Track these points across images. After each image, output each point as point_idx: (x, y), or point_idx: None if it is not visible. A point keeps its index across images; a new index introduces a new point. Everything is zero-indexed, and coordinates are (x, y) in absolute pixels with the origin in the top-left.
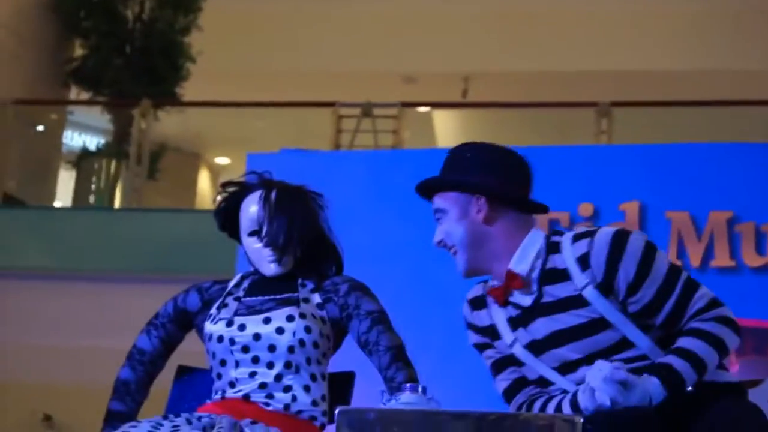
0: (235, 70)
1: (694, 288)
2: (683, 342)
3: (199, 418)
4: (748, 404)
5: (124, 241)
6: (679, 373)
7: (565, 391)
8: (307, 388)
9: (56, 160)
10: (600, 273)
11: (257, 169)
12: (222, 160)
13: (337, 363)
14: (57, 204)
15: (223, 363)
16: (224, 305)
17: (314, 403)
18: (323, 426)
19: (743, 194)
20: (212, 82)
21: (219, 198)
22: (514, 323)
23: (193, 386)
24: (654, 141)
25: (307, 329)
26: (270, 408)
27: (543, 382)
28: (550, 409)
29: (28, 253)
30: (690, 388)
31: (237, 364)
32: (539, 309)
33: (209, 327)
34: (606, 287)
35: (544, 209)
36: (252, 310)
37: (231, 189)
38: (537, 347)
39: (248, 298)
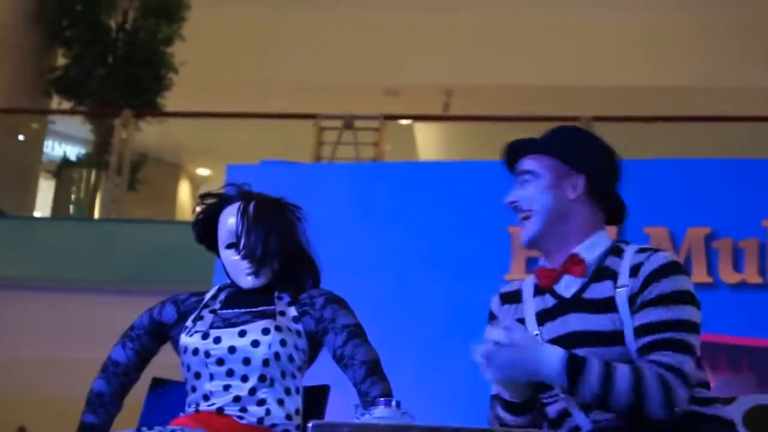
0: (217, 81)
1: (684, 343)
2: (621, 367)
3: (173, 431)
4: None
5: (102, 252)
6: (587, 380)
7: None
8: (281, 402)
9: (36, 169)
10: (638, 285)
11: (237, 181)
12: (203, 172)
13: (312, 376)
14: (36, 214)
15: (197, 376)
16: (200, 318)
17: (288, 417)
18: None
19: (721, 210)
20: (194, 92)
21: (197, 210)
22: (543, 318)
23: (167, 399)
24: (634, 156)
25: (283, 342)
26: (244, 421)
27: (541, 387)
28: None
29: (7, 263)
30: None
31: (211, 377)
32: (577, 303)
33: (184, 339)
34: (633, 299)
35: (621, 219)
36: (228, 323)
37: (209, 201)
38: (558, 343)
39: (224, 311)
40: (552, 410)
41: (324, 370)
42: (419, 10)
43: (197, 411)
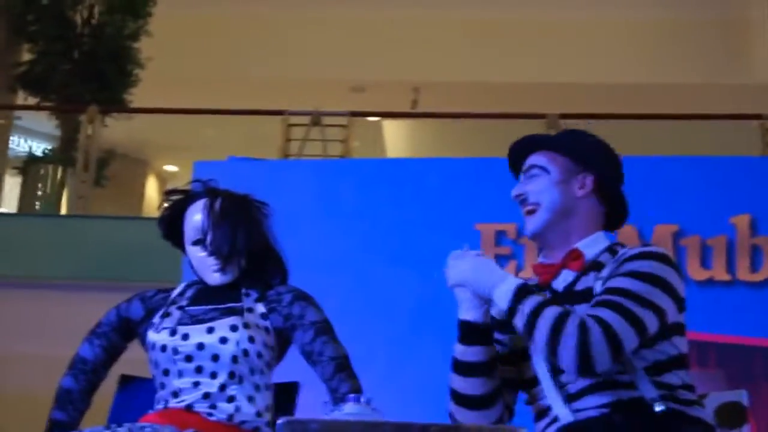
0: (184, 77)
1: (629, 311)
2: (555, 306)
3: (142, 428)
4: None
5: (69, 248)
6: (524, 305)
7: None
8: (251, 399)
9: (2, 165)
10: (614, 267)
11: (204, 177)
12: (170, 168)
13: (281, 373)
14: (2, 210)
15: (166, 372)
16: (167, 314)
17: (258, 414)
18: None
19: (689, 208)
20: (161, 88)
21: (164, 206)
22: None
23: (136, 396)
24: None
25: (251, 339)
26: (213, 418)
27: (533, 382)
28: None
29: None
30: (657, 410)
31: (180, 373)
32: (568, 296)
33: (152, 336)
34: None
35: (622, 222)
36: (195, 320)
37: (175, 197)
38: None
39: (192, 308)
40: (535, 409)
41: (293, 367)
42: (387, 7)
43: (166, 408)
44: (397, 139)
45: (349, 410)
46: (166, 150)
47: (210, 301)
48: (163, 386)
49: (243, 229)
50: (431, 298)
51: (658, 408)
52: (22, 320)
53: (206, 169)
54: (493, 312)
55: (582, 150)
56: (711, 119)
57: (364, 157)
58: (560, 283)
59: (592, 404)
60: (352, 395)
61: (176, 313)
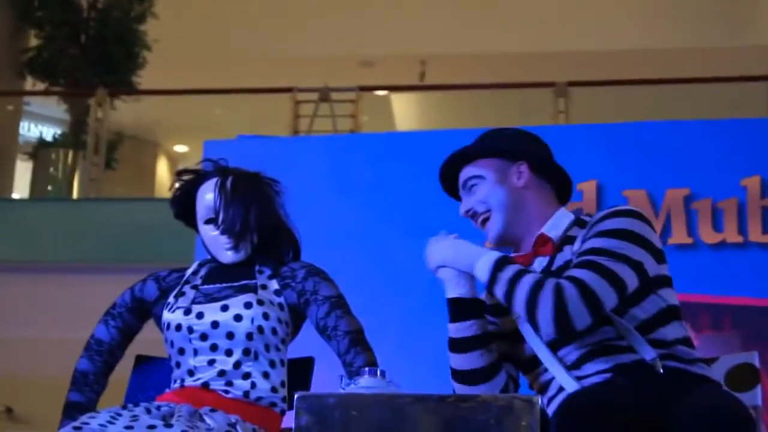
0: (191, 57)
1: (603, 267)
2: (533, 273)
3: (159, 408)
4: (725, 393)
5: (82, 231)
6: (503, 275)
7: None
8: (266, 375)
9: (13, 151)
10: (584, 235)
11: (214, 157)
12: (180, 148)
13: (296, 348)
14: (15, 195)
15: (181, 351)
16: (181, 294)
17: (274, 390)
18: (283, 412)
19: (699, 171)
20: (169, 69)
21: (175, 186)
22: None
23: (152, 375)
24: (611, 120)
25: (265, 316)
26: (229, 395)
27: (531, 364)
28: None
29: None
30: (660, 370)
31: (195, 352)
32: (548, 275)
33: (167, 316)
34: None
35: (570, 194)
36: (210, 298)
37: (186, 177)
38: None
39: (206, 286)
40: (541, 381)
41: (308, 342)
42: None
43: (183, 386)
44: (405, 112)
45: (364, 383)
46: (176, 130)
47: (224, 279)
48: (178, 365)
49: (255, 206)
50: None
51: (660, 369)
52: (36, 304)
53: (216, 148)
54: (482, 295)
55: (505, 144)
56: (719, 82)
57: (374, 131)
58: (537, 267)
59: (593, 370)
60: (367, 368)
61: (190, 292)
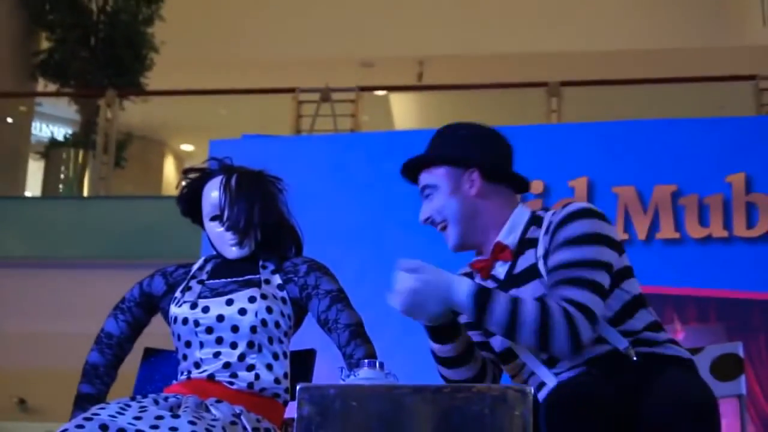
0: (197, 59)
1: (589, 280)
2: (529, 301)
3: (166, 398)
4: (695, 375)
5: (92, 229)
6: (493, 308)
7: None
8: (269, 367)
9: (25, 151)
10: (548, 240)
11: (220, 155)
12: (187, 147)
13: (298, 341)
14: (27, 193)
15: (188, 344)
16: (188, 288)
17: (277, 381)
18: (286, 402)
19: (686, 168)
20: (175, 71)
21: (182, 184)
22: None
23: (160, 367)
24: (602, 119)
25: (269, 309)
26: (234, 387)
27: (508, 355)
28: None
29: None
30: (635, 359)
31: (201, 345)
32: (511, 280)
33: (174, 310)
34: (546, 256)
35: (527, 186)
36: (215, 293)
37: (193, 175)
38: None
39: (211, 281)
40: (522, 376)
41: (310, 335)
42: None
43: (189, 378)
44: (404, 112)
45: (364, 375)
46: (182, 130)
47: (229, 274)
48: (185, 358)
49: (258, 203)
50: (441, 263)
51: (633, 357)
52: (48, 299)
53: (221, 147)
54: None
55: (457, 151)
56: (706, 81)
57: (374, 130)
58: (499, 271)
59: (568, 366)
60: (366, 360)
61: (196, 287)
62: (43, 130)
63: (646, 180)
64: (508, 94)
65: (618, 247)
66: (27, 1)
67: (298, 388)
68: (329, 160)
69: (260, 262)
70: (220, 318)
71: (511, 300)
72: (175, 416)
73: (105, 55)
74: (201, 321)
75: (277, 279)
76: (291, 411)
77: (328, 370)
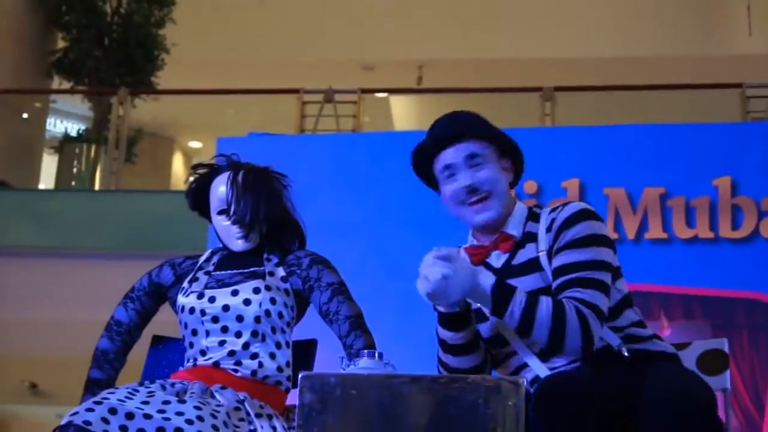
0: (206, 60)
1: (597, 281)
2: (544, 299)
3: (173, 384)
4: (682, 366)
5: (103, 221)
6: (508, 308)
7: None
8: (272, 356)
9: (40, 145)
10: (552, 238)
11: (226, 152)
12: (195, 144)
13: (300, 331)
14: (41, 186)
15: (194, 333)
16: (195, 279)
17: (279, 369)
18: (288, 390)
19: (674, 171)
20: (185, 71)
21: (190, 179)
22: None
23: (167, 354)
24: (593, 123)
25: (272, 300)
26: (238, 374)
27: (497, 341)
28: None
29: (14, 232)
30: (626, 354)
31: (207, 333)
32: (510, 270)
33: (181, 299)
34: (550, 251)
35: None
36: (221, 284)
37: (201, 171)
38: None
39: (218, 272)
40: (510, 366)
41: (312, 326)
42: None
43: (195, 365)
44: (403, 114)
45: (363, 364)
46: (191, 128)
47: (234, 266)
48: (191, 345)
49: (264, 199)
50: None
51: (626, 353)
52: (60, 288)
53: (229, 144)
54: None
55: (497, 135)
56: (695, 89)
57: (374, 130)
58: (495, 260)
59: (562, 362)
60: (366, 350)
61: (203, 278)
62: (57, 126)
63: (636, 182)
64: (504, 98)
65: (613, 247)
66: (44, 3)
67: (300, 376)
68: (331, 159)
69: (265, 255)
70: (226, 308)
71: (528, 296)
72: (182, 401)
73: (118, 55)
74: (207, 310)
75: (280, 271)
76: (293, 398)
77: (329, 360)
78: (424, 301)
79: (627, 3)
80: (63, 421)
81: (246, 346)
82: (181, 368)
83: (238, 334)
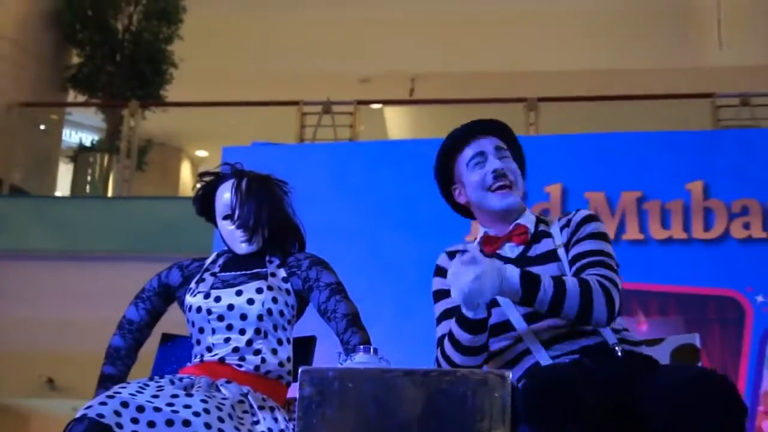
0: (211, 74)
1: (612, 265)
2: (569, 278)
3: (181, 379)
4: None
5: (115, 226)
6: (539, 290)
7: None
8: (274, 351)
9: (56, 154)
10: (570, 231)
11: (231, 161)
12: (201, 153)
13: (300, 328)
14: (57, 193)
15: (201, 330)
16: (202, 280)
17: (281, 365)
18: (288, 384)
19: (650, 176)
20: (192, 85)
21: (197, 186)
22: None
23: (176, 351)
24: (575, 131)
25: (274, 300)
26: (242, 369)
27: (503, 328)
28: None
29: (33, 237)
30: (620, 355)
31: (213, 331)
32: (523, 260)
33: (189, 299)
34: (569, 243)
35: None
36: (226, 284)
37: (207, 178)
38: None
39: (223, 274)
40: (510, 354)
41: (311, 323)
42: (387, 5)
43: (202, 361)
44: (397, 124)
45: (360, 359)
46: (198, 138)
47: (238, 267)
48: (198, 342)
49: (266, 204)
50: (431, 259)
51: (619, 352)
52: (75, 288)
53: (233, 153)
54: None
55: (515, 145)
56: (669, 98)
57: (370, 139)
58: (509, 252)
59: (563, 351)
60: (362, 346)
61: (209, 279)
62: (72, 137)
63: (614, 187)
64: (491, 108)
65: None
66: (60, 22)
67: (300, 370)
68: (329, 166)
69: (267, 257)
70: (231, 307)
71: (553, 278)
72: (189, 395)
73: (129, 70)
74: (213, 309)
75: (282, 272)
76: (293, 391)
77: (327, 355)
78: (418, 300)
79: (606, 19)
80: (78, 414)
81: (249, 342)
82: (188, 364)
83: (242, 332)
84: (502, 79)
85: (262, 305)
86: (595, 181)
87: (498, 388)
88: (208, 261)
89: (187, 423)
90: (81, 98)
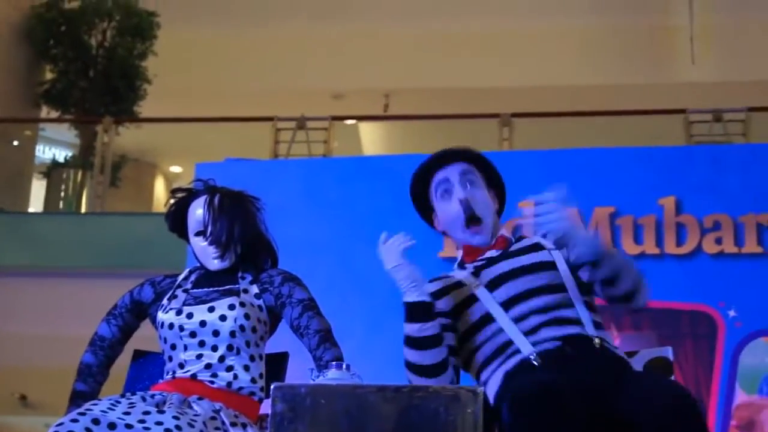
0: (185, 90)
1: None
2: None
3: (153, 396)
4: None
5: (89, 242)
6: (613, 249)
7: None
8: (246, 368)
9: (29, 170)
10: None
11: (205, 177)
12: (175, 169)
13: (273, 344)
14: (30, 209)
15: (173, 347)
16: (174, 296)
17: (253, 381)
18: (261, 400)
19: (623, 192)
20: (166, 101)
21: (170, 203)
22: (477, 271)
23: (147, 368)
24: (548, 147)
25: (247, 316)
26: (215, 385)
27: (485, 320)
28: None
29: (5, 253)
30: (598, 347)
31: (185, 347)
32: (505, 255)
33: (161, 316)
34: (558, 243)
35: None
36: (198, 300)
37: (180, 195)
38: (494, 282)
39: (195, 290)
40: (492, 345)
41: (283, 339)
42: (360, 22)
43: (174, 377)
44: (371, 139)
45: (332, 375)
46: (172, 154)
47: (211, 284)
48: (170, 359)
49: (239, 221)
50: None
51: (598, 345)
52: (48, 305)
53: (206, 169)
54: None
55: (486, 166)
56: (642, 114)
57: (344, 155)
58: (489, 254)
59: (547, 336)
60: (334, 363)
61: (182, 295)
62: (45, 153)
63: (587, 202)
64: (465, 124)
65: None
66: (33, 37)
67: (272, 387)
68: (303, 182)
69: (239, 273)
70: (203, 323)
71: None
72: (161, 411)
73: (102, 86)
74: (185, 326)
75: (254, 289)
76: (266, 407)
77: (300, 371)
78: (389, 317)
79: (579, 35)
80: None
81: (222, 359)
82: (160, 380)
83: (215, 348)
84: (476, 95)
85: (235, 321)
86: (568, 196)
87: (470, 404)
88: (181, 277)
89: None
90: (54, 114)
